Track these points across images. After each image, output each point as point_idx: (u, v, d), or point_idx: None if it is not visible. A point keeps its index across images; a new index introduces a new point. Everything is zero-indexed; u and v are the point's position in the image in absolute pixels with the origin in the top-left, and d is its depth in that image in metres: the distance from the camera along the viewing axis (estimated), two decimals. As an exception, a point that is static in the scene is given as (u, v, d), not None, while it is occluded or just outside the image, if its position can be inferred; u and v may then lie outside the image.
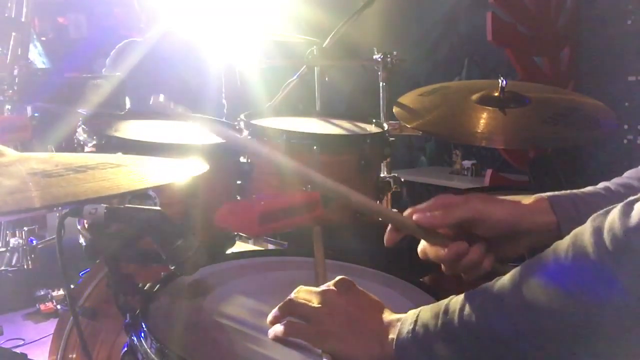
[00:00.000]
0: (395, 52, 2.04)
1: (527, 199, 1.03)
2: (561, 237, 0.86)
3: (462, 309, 0.79)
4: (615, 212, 0.72)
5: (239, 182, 1.43)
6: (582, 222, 0.88)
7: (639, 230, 0.68)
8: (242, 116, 1.60)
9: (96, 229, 0.98)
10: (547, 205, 1.01)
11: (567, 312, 0.72)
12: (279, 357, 0.87)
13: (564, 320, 0.73)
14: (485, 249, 1.00)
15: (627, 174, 1.07)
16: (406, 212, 1.04)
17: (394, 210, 1.12)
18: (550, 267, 0.75)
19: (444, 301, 0.83)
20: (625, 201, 0.72)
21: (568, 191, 1.04)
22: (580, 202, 1.01)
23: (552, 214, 1.00)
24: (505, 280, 0.79)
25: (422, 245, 1.04)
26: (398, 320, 0.86)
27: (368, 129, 1.70)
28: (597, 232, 0.72)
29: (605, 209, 0.74)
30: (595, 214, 0.74)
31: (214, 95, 3.09)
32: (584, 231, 0.73)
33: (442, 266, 1.04)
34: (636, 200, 0.71)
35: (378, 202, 1.60)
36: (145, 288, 1.00)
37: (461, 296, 0.82)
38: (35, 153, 0.85)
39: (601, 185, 1.06)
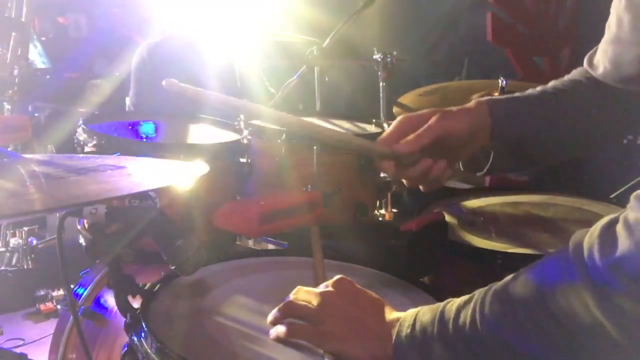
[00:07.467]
0: (395, 52, 2.04)
1: (468, 104, 1.12)
2: (494, 139, 1.05)
3: (456, 318, 0.80)
4: (594, 239, 0.72)
5: (239, 182, 1.43)
6: (512, 124, 1.07)
7: (620, 265, 0.68)
8: (242, 116, 1.60)
9: (96, 229, 0.98)
10: (486, 108, 1.09)
11: (553, 325, 0.73)
12: (279, 357, 0.87)
13: (550, 336, 0.74)
14: (446, 163, 1.08)
15: (574, 72, 1.17)
16: (379, 140, 1.09)
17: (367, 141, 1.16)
18: (537, 280, 0.76)
19: (441, 305, 0.83)
20: (606, 223, 0.72)
21: (505, 96, 1.14)
22: (514, 103, 1.11)
23: (488, 115, 1.09)
24: (498, 287, 0.79)
25: (386, 164, 1.10)
26: (397, 319, 0.86)
27: (368, 129, 1.70)
28: (578, 252, 0.72)
29: (585, 230, 0.74)
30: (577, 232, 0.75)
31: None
32: (567, 251, 0.74)
33: (404, 181, 1.12)
34: (615, 222, 0.71)
35: (378, 202, 1.60)
36: (145, 288, 1.00)
37: (456, 303, 0.82)
38: (36, 155, 0.85)
39: (539, 88, 1.13)
